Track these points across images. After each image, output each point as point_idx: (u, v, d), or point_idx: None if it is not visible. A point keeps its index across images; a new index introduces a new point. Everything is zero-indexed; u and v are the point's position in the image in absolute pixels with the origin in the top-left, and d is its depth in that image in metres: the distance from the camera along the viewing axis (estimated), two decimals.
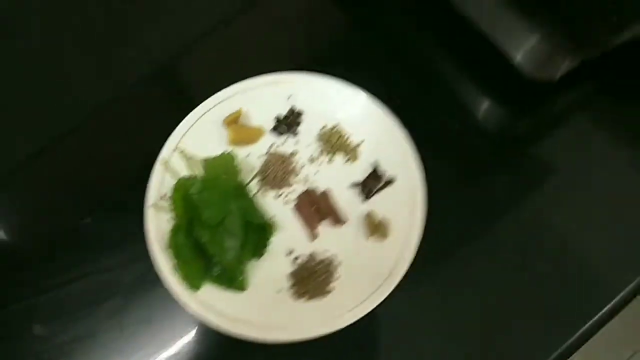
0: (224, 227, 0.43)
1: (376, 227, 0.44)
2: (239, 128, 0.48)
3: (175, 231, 0.44)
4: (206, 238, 0.43)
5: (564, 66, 0.45)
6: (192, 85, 0.51)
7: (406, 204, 0.44)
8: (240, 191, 0.45)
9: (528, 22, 0.45)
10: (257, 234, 0.44)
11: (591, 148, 0.50)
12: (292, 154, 0.48)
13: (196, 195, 0.44)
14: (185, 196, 0.44)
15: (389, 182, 0.46)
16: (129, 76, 0.53)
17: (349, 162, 0.47)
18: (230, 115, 0.48)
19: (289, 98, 0.49)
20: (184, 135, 0.47)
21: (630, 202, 0.47)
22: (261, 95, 0.48)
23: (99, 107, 0.52)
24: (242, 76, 0.49)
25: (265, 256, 0.44)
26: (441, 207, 0.45)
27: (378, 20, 0.54)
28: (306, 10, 0.55)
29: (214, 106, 0.48)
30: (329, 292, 0.43)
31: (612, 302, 0.43)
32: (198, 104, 0.48)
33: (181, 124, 0.47)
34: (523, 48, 0.45)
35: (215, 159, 0.46)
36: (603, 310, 0.43)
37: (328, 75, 0.48)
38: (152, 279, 0.43)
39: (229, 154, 0.47)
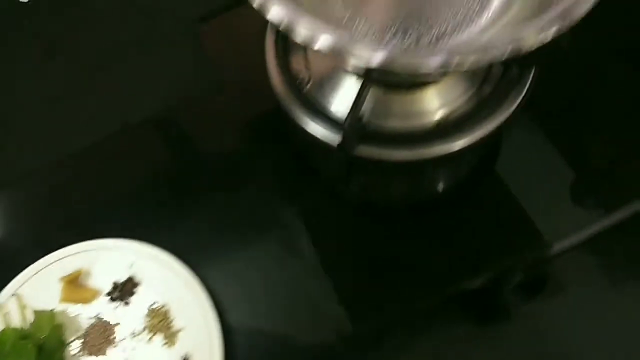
0: None
1: None
2: (73, 287, 0.50)
3: None
4: None
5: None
6: (45, 235, 0.53)
7: None
8: (48, 356, 0.47)
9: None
10: None
11: None
12: (117, 324, 0.49)
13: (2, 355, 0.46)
14: None
15: None
16: None
17: (166, 346, 0.48)
18: (70, 273, 0.50)
19: (131, 266, 0.50)
20: (23, 283, 0.49)
21: None
22: (106, 258, 0.50)
23: None
24: (91, 236, 0.51)
25: None
26: None
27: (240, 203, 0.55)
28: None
29: (57, 260, 0.50)
30: None
31: None
32: (46, 255, 0.50)
33: (23, 272, 0.50)
34: None
35: (42, 314, 0.48)
36: None
37: (173, 255, 0.49)
38: None
39: (53, 312, 0.48)
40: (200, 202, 0.54)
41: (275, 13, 0.31)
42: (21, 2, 0.62)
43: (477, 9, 0.39)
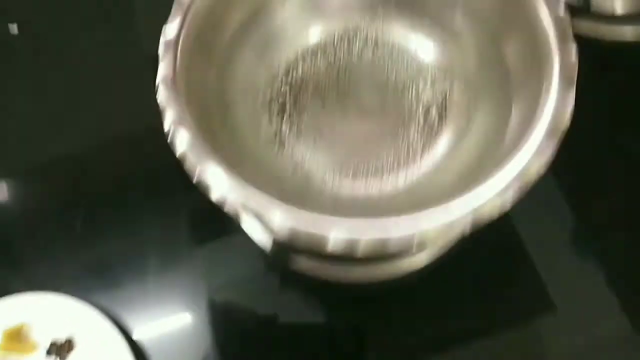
0: None
1: None
2: (15, 338, 0.51)
3: None
4: None
5: None
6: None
7: None
8: None
9: None
10: None
11: None
12: None
13: None
14: None
15: None
16: None
17: None
18: (14, 326, 0.51)
19: (71, 326, 0.51)
20: None
21: None
22: (49, 313, 0.51)
23: None
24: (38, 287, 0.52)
25: None
26: None
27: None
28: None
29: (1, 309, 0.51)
30: None
31: None
32: None
33: None
34: None
35: None
36: None
37: (112, 321, 0.50)
38: None
39: None
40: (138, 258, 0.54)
41: (190, 166, 0.31)
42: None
43: (419, 149, 0.39)
